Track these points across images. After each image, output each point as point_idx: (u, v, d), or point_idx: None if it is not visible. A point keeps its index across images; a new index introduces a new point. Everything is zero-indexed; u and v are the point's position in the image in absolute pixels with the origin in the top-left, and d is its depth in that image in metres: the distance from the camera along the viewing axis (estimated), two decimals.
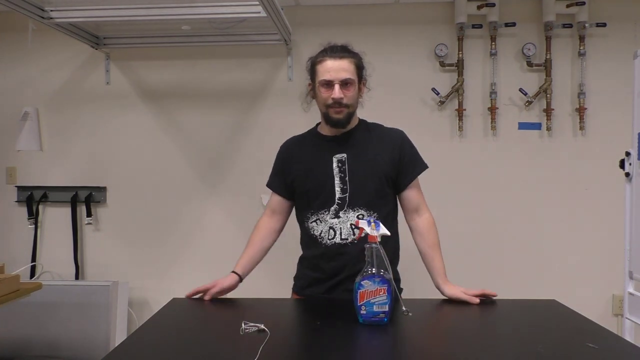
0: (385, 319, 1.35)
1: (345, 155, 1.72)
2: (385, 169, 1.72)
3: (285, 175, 1.80)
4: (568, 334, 1.31)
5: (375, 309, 1.34)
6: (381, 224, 1.41)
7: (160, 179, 3.08)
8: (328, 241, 1.71)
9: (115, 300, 2.85)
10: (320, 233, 1.72)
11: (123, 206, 3.11)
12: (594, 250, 2.88)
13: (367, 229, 1.39)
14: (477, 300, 1.60)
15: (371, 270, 1.35)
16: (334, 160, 1.72)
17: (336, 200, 1.70)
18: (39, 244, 3.12)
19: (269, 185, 1.88)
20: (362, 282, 1.35)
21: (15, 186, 3.13)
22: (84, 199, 3.08)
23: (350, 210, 1.70)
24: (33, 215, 3.10)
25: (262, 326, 1.28)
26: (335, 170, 1.71)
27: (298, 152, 1.80)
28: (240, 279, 1.73)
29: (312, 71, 1.72)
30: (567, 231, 2.91)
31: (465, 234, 2.95)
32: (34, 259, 3.10)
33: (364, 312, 1.35)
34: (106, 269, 3.08)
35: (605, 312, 2.89)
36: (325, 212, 1.71)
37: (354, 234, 1.69)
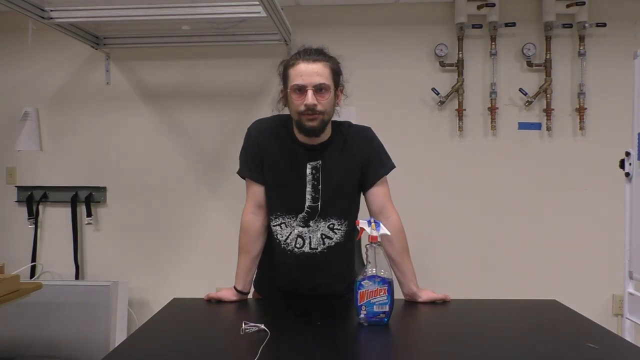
0: (386, 319, 1.35)
1: (320, 162, 1.62)
2: (356, 173, 1.65)
3: (263, 164, 1.65)
4: (568, 334, 1.31)
5: (375, 309, 1.34)
6: (381, 224, 1.40)
7: (161, 179, 3.08)
8: (296, 249, 1.64)
9: (115, 300, 2.85)
10: (286, 239, 1.65)
11: (123, 206, 3.11)
12: (594, 250, 2.88)
13: (367, 229, 1.39)
14: (449, 297, 1.61)
15: (371, 271, 1.35)
16: (308, 167, 1.61)
17: (305, 209, 1.62)
18: (39, 244, 3.12)
19: (248, 175, 1.68)
20: (362, 282, 1.35)
21: (15, 186, 3.13)
22: (84, 199, 3.08)
23: (322, 220, 1.63)
24: (33, 215, 3.10)
25: (262, 326, 1.28)
26: (309, 177, 1.61)
27: (272, 145, 1.64)
28: (245, 294, 1.68)
29: (284, 76, 1.57)
30: (567, 231, 2.91)
31: (465, 234, 2.95)
32: (34, 259, 3.10)
33: (364, 312, 1.35)
34: (106, 269, 3.08)
35: (605, 312, 2.89)
36: (292, 218, 1.63)
37: (324, 244, 1.65)
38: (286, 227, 1.65)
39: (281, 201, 1.65)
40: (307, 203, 1.62)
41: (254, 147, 1.67)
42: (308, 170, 1.62)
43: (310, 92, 1.50)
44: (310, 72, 1.51)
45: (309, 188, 1.62)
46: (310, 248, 1.65)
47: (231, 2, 2.43)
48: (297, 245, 1.65)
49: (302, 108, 1.52)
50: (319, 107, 1.52)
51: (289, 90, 1.55)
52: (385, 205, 1.67)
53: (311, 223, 1.64)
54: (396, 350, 1.26)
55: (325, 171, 1.62)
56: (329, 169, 1.62)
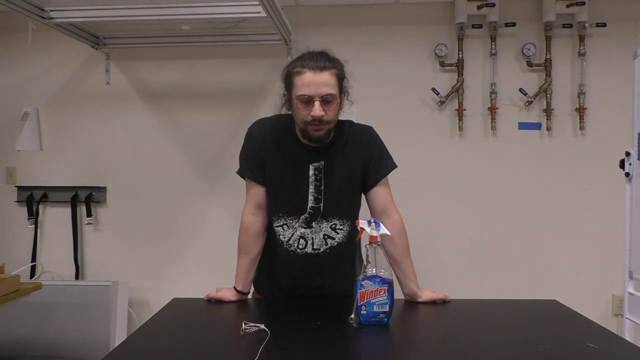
0: (386, 319, 1.35)
1: (322, 162, 1.61)
2: (358, 173, 1.65)
3: (265, 164, 1.64)
4: (568, 334, 1.31)
5: (375, 309, 1.34)
6: (381, 224, 1.40)
7: (161, 179, 3.08)
8: (299, 250, 1.64)
9: (115, 300, 2.85)
10: (289, 240, 1.65)
11: (123, 206, 3.11)
12: (594, 250, 2.88)
13: (367, 229, 1.39)
14: (449, 297, 1.61)
15: (371, 271, 1.35)
16: (311, 168, 1.61)
17: (308, 210, 1.62)
18: (39, 244, 3.12)
19: (248, 176, 1.68)
20: (362, 283, 1.35)
21: (15, 186, 3.13)
22: (84, 199, 3.08)
23: (324, 221, 1.63)
24: (33, 215, 3.10)
25: (262, 326, 1.28)
26: (311, 178, 1.61)
27: (274, 145, 1.64)
28: (245, 294, 1.68)
29: (289, 82, 1.54)
30: (567, 231, 2.91)
31: (465, 234, 2.95)
32: (34, 259, 3.10)
33: (364, 312, 1.35)
34: (106, 269, 3.07)
35: (605, 312, 2.90)
36: (295, 219, 1.63)
37: (326, 244, 1.65)
38: (288, 228, 1.65)
39: (283, 202, 1.64)
40: (310, 204, 1.62)
41: (255, 147, 1.66)
42: (311, 172, 1.61)
43: (317, 104, 1.48)
44: (317, 82, 1.48)
45: (311, 189, 1.62)
46: (313, 249, 1.65)
47: (231, 2, 2.43)
48: (300, 246, 1.65)
49: (309, 119, 1.50)
50: (326, 118, 1.50)
51: (295, 101, 1.52)
52: (387, 206, 1.67)
53: (314, 224, 1.64)
54: (396, 350, 1.26)
55: (327, 172, 1.62)
56: (331, 170, 1.62)
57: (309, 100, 1.49)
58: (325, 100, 1.49)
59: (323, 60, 1.51)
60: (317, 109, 1.48)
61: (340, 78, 1.54)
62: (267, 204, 1.68)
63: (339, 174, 1.63)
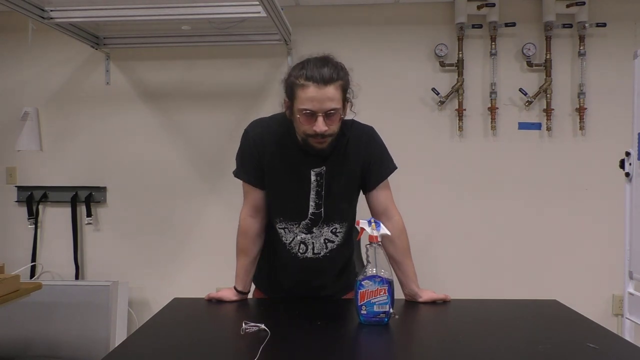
0: (386, 319, 1.35)
1: (324, 168, 1.57)
2: (358, 173, 1.62)
3: (262, 167, 1.61)
4: (568, 334, 1.31)
5: (375, 309, 1.34)
6: (382, 224, 1.40)
7: (160, 178, 3.08)
8: (299, 254, 1.63)
9: (115, 300, 2.85)
10: (290, 242, 1.63)
11: (123, 206, 3.11)
12: (594, 250, 2.89)
13: (368, 229, 1.38)
14: (449, 297, 1.60)
15: (372, 271, 1.35)
16: (312, 173, 1.57)
17: (309, 216, 1.60)
18: (39, 244, 3.12)
19: (245, 180, 1.64)
20: (362, 282, 1.35)
21: (15, 186, 3.13)
22: (84, 199, 3.08)
23: (325, 226, 1.62)
24: (33, 215, 3.10)
25: (262, 326, 1.28)
26: (313, 184, 1.58)
27: (272, 148, 1.59)
28: (246, 294, 1.68)
29: (291, 92, 1.47)
30: (567, 231, 2.91)
31: (465, 234, 2.95)
32: (34, 259, 3.10)
33: (365, 312, 1.35)
34: (106, 269, 3.08)
35: (605, 312, 2.90)
36: (295, 224, 1.61)
37: (326, 248, 1.64)
38: (289, 232, 1.63)
39: (283, 207, 1.62)
40: (311, 210, 1.60)
41: (252, 150, 1.61)
42: (312, 177, 1.58)
43: (320, 119, 1.43)
44: (321, 97, 1.42)
45: (312, 195, 1.59)
46: (314, 253, 1.64)
47: (231, 2, 2.43)
48: (300, 251, 1.64)
49: (312, 133, 1.46)
50: (328, 132, 1.46)
51: (297, 114, 1.47)
52: (388, 207, 1.65)
53: (314, 229, 1.62)
54: (396, 350, 1.26)
55: (329, 176, 1.59)
56: (332, 175, 1.59)
57: (312, 115, 1.44)
58: (329, 115, 1.45)
59: (328, 70, 1.43)
60: (320, 125, 1.44)
61: (345, 89, 1.48)
62: (266, 206, 1.66)
63: (340, 177, 1.60)
